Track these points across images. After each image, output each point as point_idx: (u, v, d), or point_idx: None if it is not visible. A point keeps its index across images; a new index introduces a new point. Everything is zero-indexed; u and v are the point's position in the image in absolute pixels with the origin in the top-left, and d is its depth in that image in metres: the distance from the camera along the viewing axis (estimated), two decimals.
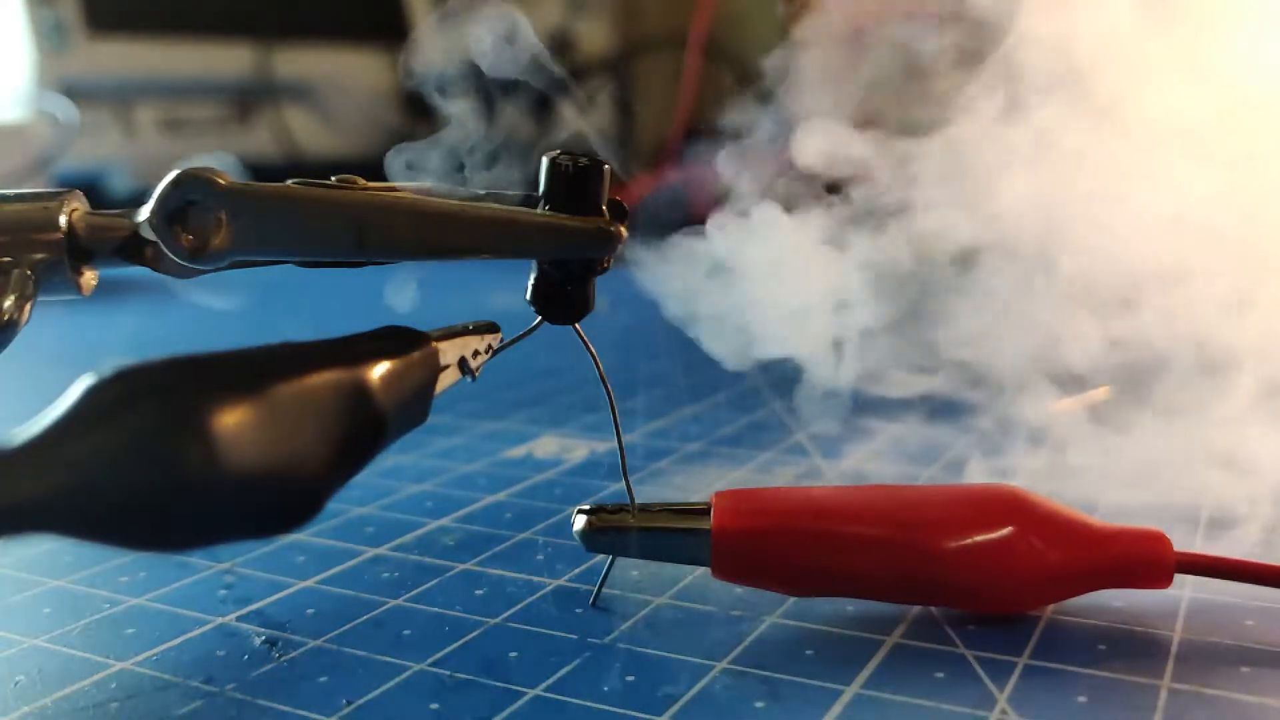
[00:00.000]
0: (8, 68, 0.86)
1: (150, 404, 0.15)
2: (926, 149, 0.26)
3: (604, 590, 0.23)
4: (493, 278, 0.37)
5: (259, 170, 0.20)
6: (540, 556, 0.26)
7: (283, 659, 0.21)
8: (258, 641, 0.21)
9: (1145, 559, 0.21)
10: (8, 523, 0.14)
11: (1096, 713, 0.18)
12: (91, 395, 0.15)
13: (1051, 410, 0.32)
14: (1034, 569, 0.21)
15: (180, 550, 0.21)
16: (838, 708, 0.18)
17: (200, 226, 0.19)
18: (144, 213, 0.19)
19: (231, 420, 0.15)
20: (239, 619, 0.22)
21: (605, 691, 0.19)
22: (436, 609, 0.23)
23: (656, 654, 0.21)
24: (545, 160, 0.22)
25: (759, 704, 0.19)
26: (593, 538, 0.22)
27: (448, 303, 0.60)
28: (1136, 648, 0.20)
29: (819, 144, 0.26)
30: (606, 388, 0.23)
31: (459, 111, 0.22)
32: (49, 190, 0.20)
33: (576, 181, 0.21)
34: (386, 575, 0.25)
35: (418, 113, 1.07)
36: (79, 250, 0.20)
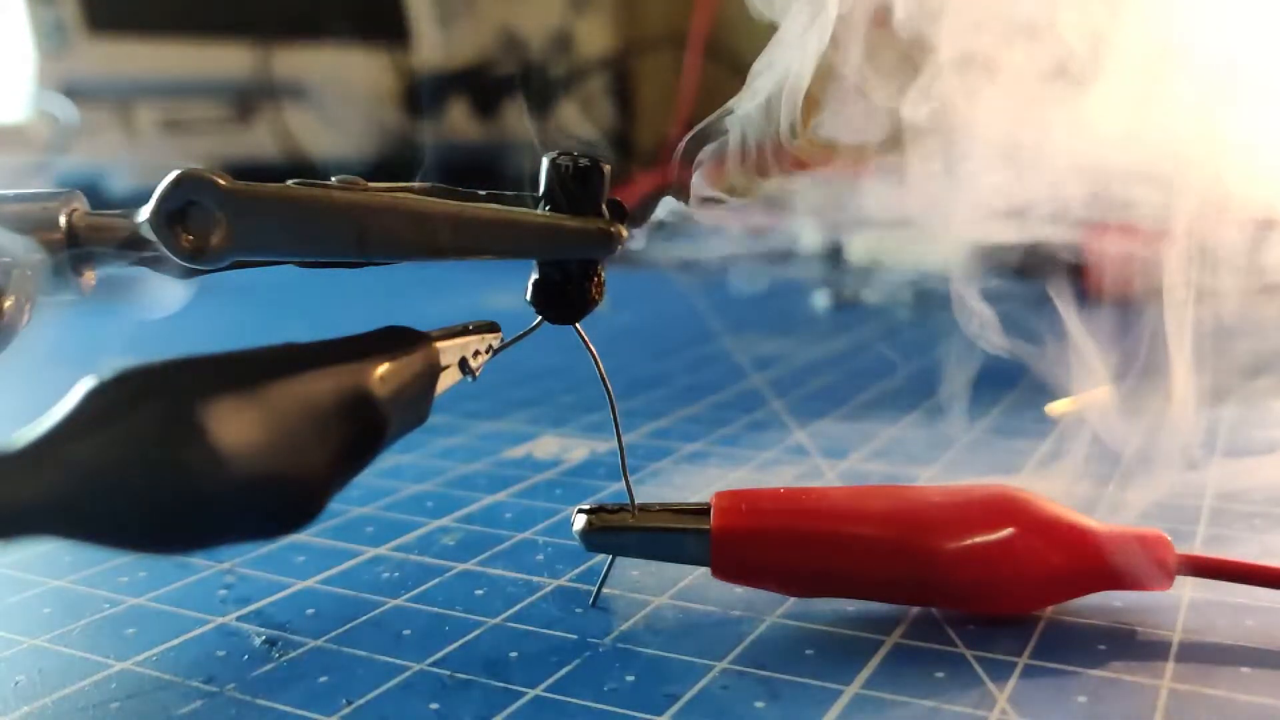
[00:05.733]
0: (8, 68, 0.86)
1: (151, 406, 0.15)
2: None
3: (604, 590, 0.23)
4: (493, 278, 0.37)
5: (259, 170, 0.20)
6: (540, 556, 0.26)
7: (283, 659, 0.21)
8: (258, 641, 0.21)
9: (1146, 561, 0.21)
10: (9, 525, 0.14)
11: (1096, 713, 0.18)
12: (93, 397, 0.15)
13: (1048, 411, 0.32)
14: (1035, 570, 0.21)
15: (182, 552, 0.21)
16: (838, 708, 0.18)
17: (200, 226, 0.19)
18: (144, 213, 0.19)
19: (232, 422, 0.15)
20: (239, 619, 0.22)
21: (605, 691, 0.19)
22: (436, 609, 0.23)
23: (656, 654, 0.21)
24: (545, 160, 0.22)
25: (759, 704, 0.19)
26: (593, 538, 0.22)
27: (448, 303, 0.60)
28: (1136, 648, 0.20)
29: None
30: (606, 388, 0.23)
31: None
32: (49, 190, 0.20)
33: (576, 181, 0.21)
34: (386, 575, 0.25)
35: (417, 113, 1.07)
36: (79, 250, 0.20)
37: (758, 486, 0.23)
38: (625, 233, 0.22)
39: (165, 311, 0.20)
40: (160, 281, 0.20)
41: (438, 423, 0.25)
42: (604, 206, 0.22)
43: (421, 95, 1.08)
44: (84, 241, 0.20)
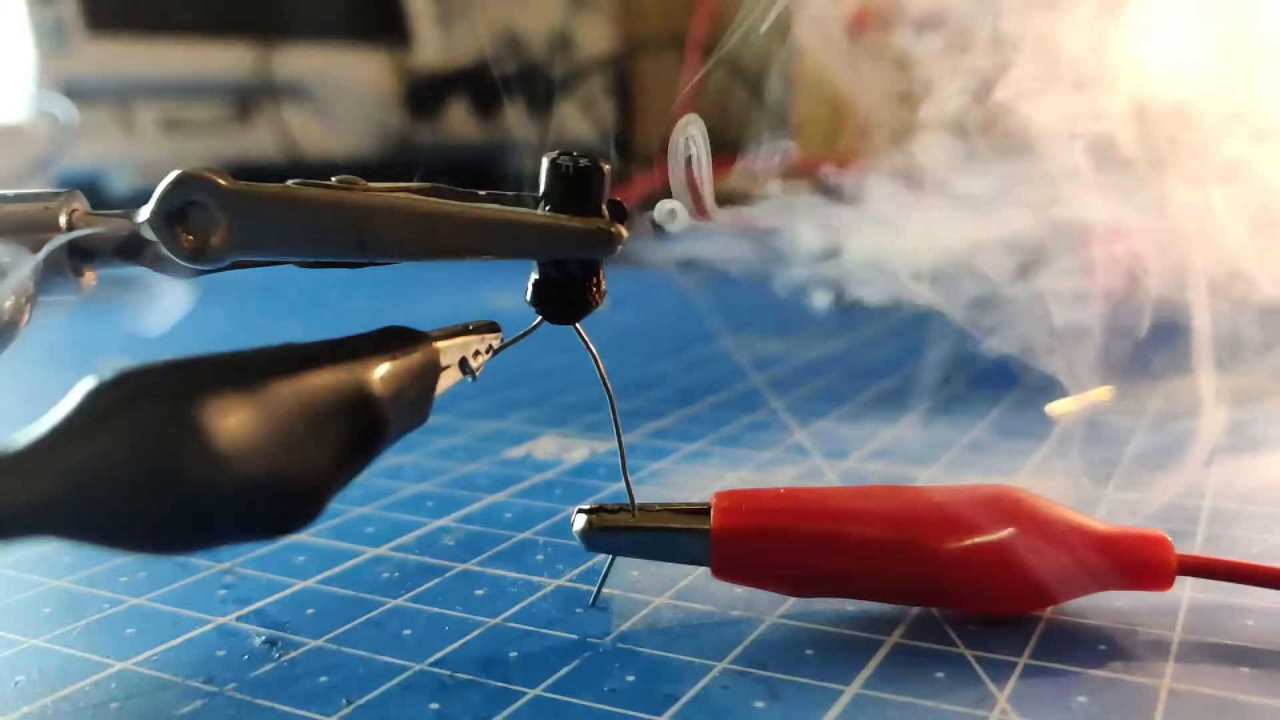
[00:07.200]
0: (8, 68, 0.86)
1: (151, 406, 0.15)
2: None
3: (604, 590, 0.23)
4: (493, 278, 0.37)
5: (259, 170, 0.20)
6: (540, 556, 0.26)
7: (283, 659, 0.21)
8: (258, 641, 0.21)
9: (1147, 561, 0.21)
10: (9, 526, 0.14)
11: (1096, 713, 0.18)
12: (93, 398, 0.15)
13: (1048, 411, 0.32)
14: (1035, 570, 0.21)
15: (182, 552, 0.21)
16: (838, 708, 0.18)
17: (200, 226, 0.19)
18: (144, 213, 0.19)
19: (233, 422, 0.15)
20: (239, 619, 0.22)
21: (605, 691, 0.19)
22: (436, 609, 0.23)
23: (656, 654, 0.21)
24: (545, 160, 0.22)
25: (759, 704, 0.19)
26: (593, 538, 0.22)
27: (448, 303, 0.60)
28: (1136, 648, 0.20)
29: None
30: (607, 388, 0.23)
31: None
32: (49, 190, 0.20)
33: (576, 181, 0.21)
34: (386, 575, 0.25)
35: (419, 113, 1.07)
36: (79, 250, 0.20)
37: (758, 486, 0.23)
38: (625, 233, 0.22)
39: (164, 326, 0.20)
40: (160, 285, 0.20)
41: (438, 423, 0.25)
42: (604, 206, 0.22)
43: (422, 95, 1.08)
44: (84, 241, 0.20)
